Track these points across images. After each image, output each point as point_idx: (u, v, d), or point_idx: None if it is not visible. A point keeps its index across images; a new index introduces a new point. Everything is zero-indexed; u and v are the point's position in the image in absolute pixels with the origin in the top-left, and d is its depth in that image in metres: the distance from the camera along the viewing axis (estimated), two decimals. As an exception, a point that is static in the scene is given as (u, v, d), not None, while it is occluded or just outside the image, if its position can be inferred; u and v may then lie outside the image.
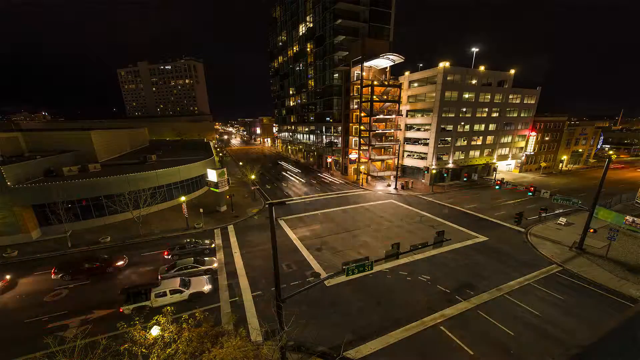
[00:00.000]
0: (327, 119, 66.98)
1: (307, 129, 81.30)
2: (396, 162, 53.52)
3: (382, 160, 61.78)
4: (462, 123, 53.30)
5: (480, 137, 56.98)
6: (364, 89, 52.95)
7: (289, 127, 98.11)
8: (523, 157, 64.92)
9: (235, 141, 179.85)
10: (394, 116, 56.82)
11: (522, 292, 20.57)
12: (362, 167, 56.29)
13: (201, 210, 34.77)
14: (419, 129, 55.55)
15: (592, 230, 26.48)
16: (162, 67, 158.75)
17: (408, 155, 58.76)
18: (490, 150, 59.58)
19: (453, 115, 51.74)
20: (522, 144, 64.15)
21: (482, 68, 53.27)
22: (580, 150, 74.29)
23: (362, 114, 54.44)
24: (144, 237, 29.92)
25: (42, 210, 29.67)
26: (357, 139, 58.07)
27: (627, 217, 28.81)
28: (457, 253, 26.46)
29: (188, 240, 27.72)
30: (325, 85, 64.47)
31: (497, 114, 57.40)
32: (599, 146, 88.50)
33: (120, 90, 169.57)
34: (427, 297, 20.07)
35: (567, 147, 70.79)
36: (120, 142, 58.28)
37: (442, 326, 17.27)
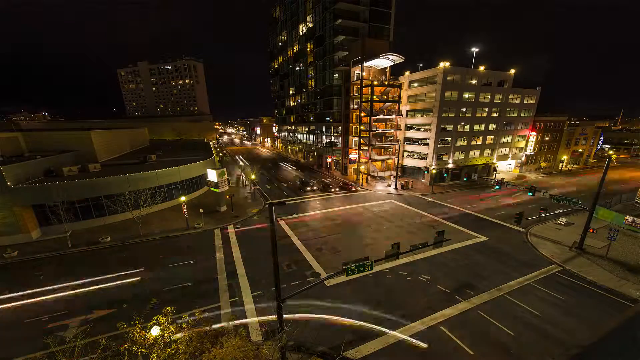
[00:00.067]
0: (327, 119, 66.98)
1: (307, 129, 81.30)
2: (396, 162, 53.54)
3: (382, 160, 61.80)
4: (462, 123, 53.30)
5: (480, 137, 56.98)
6: (364, 89, 52.95)
7: (289, 127, 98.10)
8: (523, 157, 64.92)
9: (236, 140, 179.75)
10: (394, 116, 56.82)
11: (522, 292, 20.57)
12: (362, 167, 56.29)
13: (201, 210, 34.77)
14: (419, 129, 55.56)
15: (592, 230, 26.48)
16: (162, 67, 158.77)
17: (408, 155, 58.76)
18: (490, 150, 59.58)
19: (453, 115, 51.74)
20: (522, 144, 64.15)
21: (482, 68, 53.28)
22: (580, 150, 74.28)
23: (362, 114, 54.45)
24: (144, 237, 29.92)
25: (42, 210, 29.66)
26: (357, 139, 58.09)
27: (627, 217, 28.80)
28: (457, 253, 26.46)
29: None
30: (325, 85, 64.47)
31: (497, 114, 57.41)
32: (599, 146, 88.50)
33: (120, 90, 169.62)
34: (427, 297, 20.07)
35: (567, 147, 70.80)
36: (120, 142, 58.26)
37: (442, 326, 17.27)
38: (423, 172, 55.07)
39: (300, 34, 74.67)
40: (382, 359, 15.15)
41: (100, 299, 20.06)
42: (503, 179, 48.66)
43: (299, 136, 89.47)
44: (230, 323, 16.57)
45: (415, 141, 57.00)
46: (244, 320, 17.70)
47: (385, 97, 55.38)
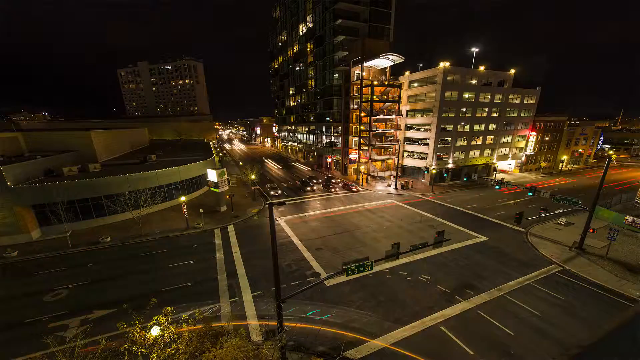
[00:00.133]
0: (327, 119, 67.00)
1: (307, 129, 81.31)
2: (396, 162, 53.56)
3: (382, 160, 61.81)
4: (462, 123, 53.31)
5: (480, 137, 57.01)
6: (364, 89, 52.96)
7: (289, 127, 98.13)
8: (523, 157, 64.95)
9: (236, 141, 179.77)
10: (394, 116, 56.83)
11: (522, 292, 20.57)
12: (362, 167, 56.30)
13: (201, 210, 34.78)
14: (419, 129, 55.57)
15: (592, 230, 26.48)
16: (162, 67, 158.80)
17: (408, 155, 58.78)
18: (490, 150, 59.60)
19: (453, 115, 51.76)
20: (522, 144, 64.18)
21: (482, 68, 53.32)
22: (581, 150, 74.29)
23: (362, 114, 54.46)
24: (144, 237, 29.93)
25: (42, 210, 29.66)
26: (357, 139, 58.10)
27: (627, 217, 28.79)
28: (457, 253, 26.46)
29: None
30: (325, 85, 64.48)
31: (497, 114, 57.43)
32: (599, 146, 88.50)
33: (120, 90, 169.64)
34: (427, 297, 20.07)
35: (567, 147, 70.81)
36: (120, 142, 58.25)
37: (442, 326, 17.27)
38: (423, 172, 55.08)
39: (300, 34, 74.69)
40: (382, 359, 15.16)
41: (100, 299, 20.07)
42: (503, 178, 48.67)
43: (299, 136, 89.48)
44: (230, 323, 16.57)
45: (415, 141, 57.01)
46: (244, 321, 17.69)
47: (385, 97, 55.39)
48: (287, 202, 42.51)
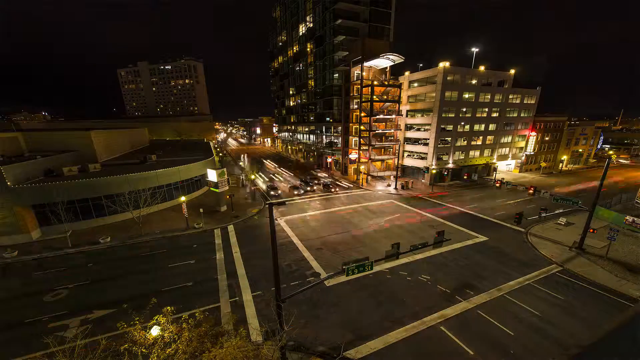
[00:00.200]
0: (327, 119, 67.00)
1: (307, 129, 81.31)
2: (396, 162, 53.55)
3: (382, 160, 61.80)
4: (462, 123, 53.32)
5: (480, 137, 57.01)
6: (364, 89, 52.95)
7: (289, 127, 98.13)
8: (523, 157, 64.95)
9: (234, 141, 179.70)
10: (394, 116, 56.82)
11: (522, 292, 20.57)
12: (362, 167, 56.29)
13: (201, 210, 34.78)
14: (419, 129, 55.57)
15: (592, 230, 26.48)
16: (162, 67, 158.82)
17: (408, 155, 58.78)
18: (490, 150, 59.60)
19: (453, 115, 51.76)
20: (522, 144, 64.18)
21: (482, 68, 53.32)
22: (580, 150, 74.28)
23: (362, 114, 54.44)
24: (144, 236, 29.92)
25: (42, 210, 29.66)
26: (357, 139, 58.08)
27: (627, 217, 28.80)
28: (457, 253, 26.46)
29: None
30: (325, 85, 64.48)
31: (497, 114, 57.44)
32: (599, 146, 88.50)
33: (120, 90, 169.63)
34: (427, 297, 20.07)
35: (567, 147, 70.80)
36: (120, 142, 58.25)
37: (442, 326, 17.27)
38: (423, 172, 55.07)
39: (300, 34, 74.68)
40: (382, 359, 15.16)
41: (100, 299, 20.07)
42: (503, 179, 48.67)
43: (299, 136, 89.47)
44: (230, 323, 16.57)
45: (415, 141, 57.01)
46: (243, 321, 17.69)
47: (385, 97, 55.38)
48: (287, 202, 42.51)
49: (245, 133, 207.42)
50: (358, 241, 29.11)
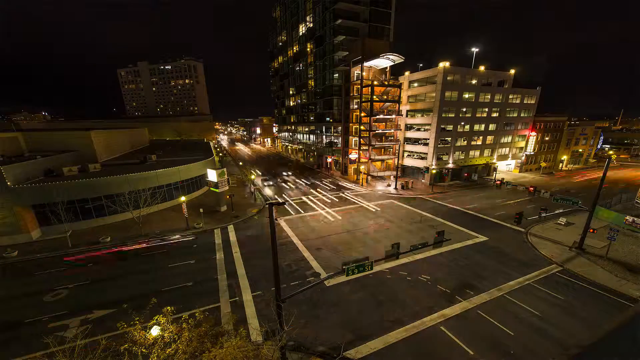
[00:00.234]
0: (327, 119, 67.00)
1: (307, 129, 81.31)
2: (396, 162, 53.55)
3: (382, 160, 61.80)
4: (462, 123, 53.32)
5: (480, 137, 57.01)
6: (364, 89, 52.95)
7: (289, 127, 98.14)
8: (523, 157, 64.95)
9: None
10: (394, 116, 56.82)
11: (522, 292, 20.57)
12: (362, 167, 56.30)
13: (201, 210, 34.79)
14: (419, 129, 55.57)
15: (592, 230, 26.47)
16: (162, 67, 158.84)
17: (408, 155, 58.78)
18: (490, 150, 59.60)
19: (453, 115, 51.77)
20: (522, 144, 64.18)
21: (482, 68, 53.32)
22: (580, 150, 74.29)
23: (362, 114, 54.44)
24: (145, 237, 29.91)
25: (42, 210, 29.66)
26: (357, 139, 58.08)
27: (627, 217, 28.80)
28: (457, 253, 26.46)
29: None
30: (325, 85, 64.48)
31: (497, 114, 57.44)
32: (599, 146, 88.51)
33: (120, 90, 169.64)
34: (427, 297, 20.07)
35: (567, 147, 70.80)
36: (120, 142, 58.26)
37: (442, 326, 17.27)
38: (423, 172, 55.08)
39: (300, 34, 74.68)
40: (382, 359, 15.16)
41: (100, 299, 20.07)
42: (503, 179, 48.70)
43: (299, 136, 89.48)
44: (230, 323, 16.58)
45: (415, 141, 57.01)
46: (243, 321, 17.69)
47: (385, 97, 55.38)
48: (287, 203, 42.52)
49: (245, 133, 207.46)
50: (358, 241, 29.10)
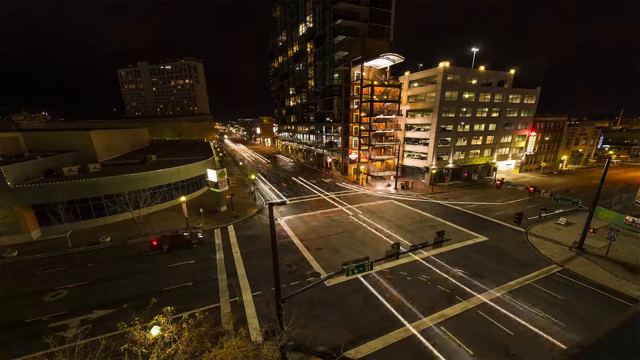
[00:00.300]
0: (327, 119, 67.00)
1: (307, 129, 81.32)
2: (396, 162, 53.55)
3: (382, 160, 61.80)
4: (462, 123, 53.31)
5: (480, 137, 57.00)
6: (364, 89, 52.94)
7: (289, 127, 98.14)
8: (523, 157, 64.94)
9: (237, 143, 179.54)
10: (394, 116, 56.82)
11: (522, 292, 20.57)
12: (362, 167, 56.30)
13: (201, 210, 34.79)
14: (419, 129, 55.56)
15: (592, 231, 26.47)
16: (162, 67, 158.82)
17: (408, 155, 58.77)
18: (490, 150, 59.59)
19: (453, 115, 51.76)
20: (522, 144, 64.17)
21: (482, 68, 53.31)
22: (580, 150, 74.28)
23: (362, 114, 54.44)
24: (145, 237, 29.91)
25: (42, 210, 29.66)
26: (357, 139, 58.08)
27: (627, 217, 28.83)
28: (457, 253, 26.46)
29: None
30: (325, 85, 64.48)
31: (497, 114, 57.43)
32: (599, 146, 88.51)
33: (120, 90, 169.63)
34: (427, 297, 20.07)
35: (567, 147, 70.79)
36: (120, 142, 58.27)
37: (442, 326, 17.27)
38: (423, 172, 55.07)
39: (300, 34, 74.68)
40: (382, 359, 15.16)
41: (100, 299, 20.07)
42: (503, 179, 48.66)
43: (299, 136, 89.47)
44: (230, 323, 16.58)
45: (415, 141, 57.00)
46: (243, 321, 17.69)
47: (385, 97, 55.38)
48: (287, 202, 42.52)
49: (245, 133, 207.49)
50: (358, 241, 29.10)
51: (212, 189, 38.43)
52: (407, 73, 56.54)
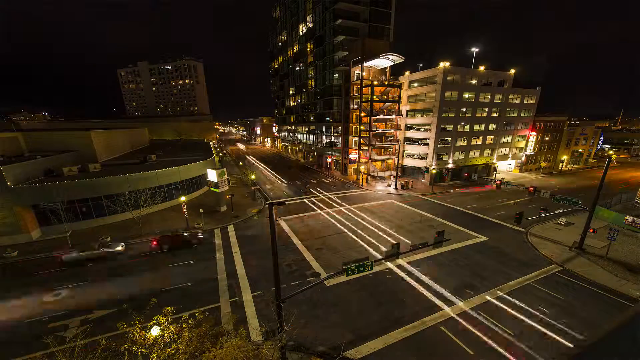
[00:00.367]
0: (327, 119, 67.00)
1: (307, 129, 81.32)
2: (396, 162, 53.54)
3: (382, 160, 61.80)
4: (462, 123, 53.31)
5: (480, 137, 57.00)
6: (364, 89, 52.95)
7: (289, 127, 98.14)
8: (523, 157, 64.93)
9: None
10: (394, 116, 56.82)
11: (522, 292, 20.57)
12: (362, 167, 56.30)
13: (201, 210, 34.78)
14: (419, 129, 55.56)
15: (592, 231, 26.47)
16: (162, 67, 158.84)
17: (408, 155, 58.77)
18: (490, 150, 59.59)
19: (453, 115, 51.75)
20: (522, 144, 64.17)
21: (482, 68, 53.30)
22: (580, 150, 74.26)
23: (362, 114, 54.45)
24: (145, 237, 29.90)
25: (42, 210, 29.64)
26: (357, 139, 58.09)
27: (627, 217, 28.82)
28: (457, 253, 26.45)
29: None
30: (325, 85, 64.49)
31: (497, 114, 57.43)
32: (599, 146, 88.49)
33: (120, 90, 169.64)
34: (427, 297, 20.06)
35: (567, 147, 70.78)
36: (120, 142, 58.26)
37: (442, 326, 17.27)
38: (423, 172, 55.07)
39: (300, 34, 74.69)
40: (382, 359, 15.16)
41: (100, 298, 20.06)
42: (503, 178, 48.67)
43: (299, 136, 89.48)
44: (230, 323, 16.57)
45: (415, 141, 57.00)
46: (243, 321, 17.69)
47: (385, 97, 55.38)
48: (287, 202, 42.49)
49: (245, 133, 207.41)
50: (358, 241, 29.06)
51: (212, 189, 38.43)
52: (407, 73, 56.54)
